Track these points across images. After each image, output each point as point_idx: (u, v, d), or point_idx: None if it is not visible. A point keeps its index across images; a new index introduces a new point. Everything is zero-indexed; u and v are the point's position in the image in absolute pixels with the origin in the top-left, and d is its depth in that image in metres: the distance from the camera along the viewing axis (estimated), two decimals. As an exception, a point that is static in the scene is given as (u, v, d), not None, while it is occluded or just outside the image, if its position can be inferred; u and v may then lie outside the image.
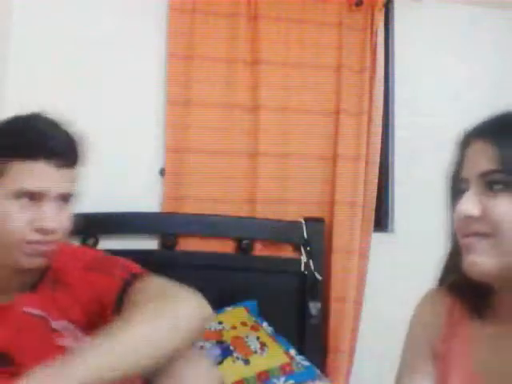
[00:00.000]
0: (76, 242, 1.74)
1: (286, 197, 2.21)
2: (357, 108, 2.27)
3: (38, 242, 0.97)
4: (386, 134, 2.37)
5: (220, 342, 1.82)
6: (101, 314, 1.04)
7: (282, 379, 1.78)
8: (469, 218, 0.75)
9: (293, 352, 1.91)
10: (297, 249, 2.18)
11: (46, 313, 1.03)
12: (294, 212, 2.19)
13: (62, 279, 1.07)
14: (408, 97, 2.39)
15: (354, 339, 2.22)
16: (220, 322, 1.91)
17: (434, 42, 2.44)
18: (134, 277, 1.03)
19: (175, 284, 0.98)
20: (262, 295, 2.09)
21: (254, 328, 1.94)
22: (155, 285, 1.01)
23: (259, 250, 2.19)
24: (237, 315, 1.98)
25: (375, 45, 2.31)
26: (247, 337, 1.88)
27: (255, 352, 1.83)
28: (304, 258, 2.13)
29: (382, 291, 2.25)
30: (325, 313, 2.16)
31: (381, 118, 2.30)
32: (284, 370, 1.81)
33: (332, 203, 2.23)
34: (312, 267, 2.12)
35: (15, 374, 0.96)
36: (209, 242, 2.15)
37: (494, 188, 0.75)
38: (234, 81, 2.19)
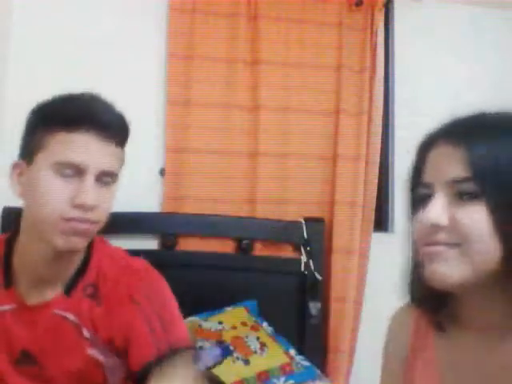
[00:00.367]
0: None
1: (286, 197, 2.20)
2: (357, 108, 2.27)
3: (75, 219, 0.91)
4: (386, 134, 2.37)
5: (220, 342, 1.82)
6: (118, 348, 0.98)
7: (282, 379, 1.78)
8: (435, 227, 0.71)
9: (293, 352, 1.91)
10: (297, 249, 2.18)
11: (79, 319, 0.99)
12: (294, 212, 2.19)
13: (101, 289, 1.00)
14: (408, 97, 2.39)
15: (354, 339, 2.22)
16: (220, 322, 1.91)
17: (433, 41, 2.44)
18: (170, 354, 0.94)
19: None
20: (262, 295, 2.09)
21: (254, 328, 1.94)
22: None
23: (259, 249, 2.19)
24: (237, 315, 1.98)
25: (375, 45, 2.31)
26: (247, 337, 1.88)
27: (255, 352, 1.83)
28: (304, 258, 2.13)
29: (381, 291, 2.24)
30: (325, 313, 2.16)
31: (381, 118, 2.30)
32: (284, 370, 1.80)
33: (332, 203, 2.23)
34: (312, 267, 2.12)
35: (37, 375, 0.99)
36: (209, 242, 2.15)
37: (463, 197, 0.71)
38: (234, 81, 2.19)
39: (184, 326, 1.01)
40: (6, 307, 0.99)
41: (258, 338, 1.89)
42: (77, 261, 1.00)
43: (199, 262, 2.10)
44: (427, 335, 0.83)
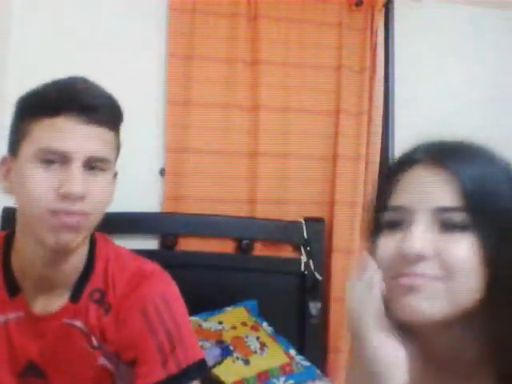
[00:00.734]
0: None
1: (286, 197, 2.20)
2: (357, 108, 2.27)
3: (63, 212, 0.84)
4: (386, 134, 2.36)
5: (220, 342, 1.82)
6: (125, 361, 0.94)
7: (282, 379, 1.77)
8: (418, 257, 0.64)
9: (293, 352, 1.91)
10: (297, 249, 2.18)
11: (87, 326, 0.94)
12: (294, 212, 2.19)
13: (108, 297, 0.95)
14: (408, 97, 2.39)
15: (354, 339, 2.22)
16: (220, 322, 1.91)
17: (434, 41, 2.44)
18: (178, 376, 0.91)
19: None
20: (262, 295, 2.09)
21: (254, 328, 1.94)
22: None
23: (259, 249, 2.18)
24: (237, 315, 1.98)
25: (375, 45, 2.31)
26: (247, 337, 1.88)
27: (255, 352, 1.83)
28: (304, 258, 2.13)
29: (381, 291, 2.24)
30: (325, 313, 2.16)
31: (381, 118, 2.30)
32: (284, 370, 1.80)
33: (332, 203, 2.23)
34: (312, 267, 2.12)
35: None
36: (209, 242, 2.15)
37: (450, 226, 0.64)
38: (234, 81, 2.19)
39: (193, 337, 0.98)
40: (11, 316, 0.94)
41: (257, 338, 1.89)
42: (80, 263, 0.95)
43: (199, 262, 2.10)
44: None
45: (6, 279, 0.94)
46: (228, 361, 1.76)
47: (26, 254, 0.93)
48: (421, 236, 0.64)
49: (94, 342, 0.94)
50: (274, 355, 1.85)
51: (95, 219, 0.90)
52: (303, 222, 2.14)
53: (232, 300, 2.03)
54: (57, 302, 0.94)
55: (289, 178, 2.22)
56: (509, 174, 0.68)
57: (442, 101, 2.44)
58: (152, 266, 1.00)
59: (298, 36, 2.25)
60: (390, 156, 2.39)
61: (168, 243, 2.11)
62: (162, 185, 2.16)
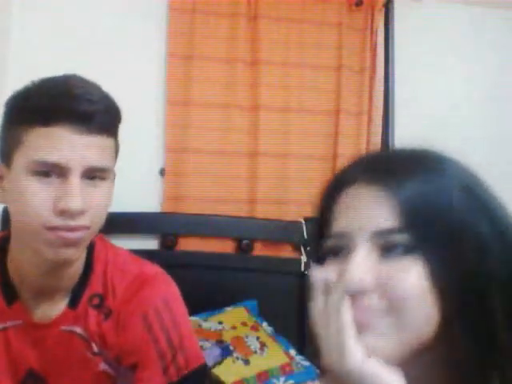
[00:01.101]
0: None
1: (286, 197, 2.20)
2: (357, 108, 2.27)
3: (62, 228, 0.79)
4: (386, 134, 2.36)
5: (220, 342, 1.82)
6: (126, 366, 0.93)
7: (282, 379, 1.77)
8: (358, 291, 0.56)
9: (293, 352, 1.91)
10: (297, 249, 2.18)
11: (87, 332, 0.91)
12: (294, 212, 2.18)
13: (108, 302, 0.92)
14: (408, 97, 2.39)
15: (353, 339, 2.22)
16: (220, 322, 1.91)
17: (433, 41, 2.44)
18: (181, 383, 0.90)
19: None
20: (262, 295, 2.09)
21: (254, 328, 1.94)
22: None
23: (259, 249, 2.18)
24: (237, 315, 1.98)
25: (375, 45, 2.31)
26: (247, 337, 1.88)
27: (255, 352, 1.83)
28: (304, 258, 2.13)
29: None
30: (325, 313, 2.16)
31: (381, 118, 2.30)
32: (284, 370, 1.80)
33: (332, 203, 2.23)
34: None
35: None
36: (209, 242, 2.15)
37: (393, 250, 0.56)
38: (234, 81, 2.19)
39: (194, 341, 0.97)
40: (9, 324, 0.91)
41: (257, 338, 1.89)
42: (78, 268, 0.92)
43: (199, 262, 2.10)
44: None
45: (3, 287, 0.91)
46: (228, 361, 1.76)
47: (22, 262, 0.89)
48: (361, 265, 0.56)
49: (95, 348, 0.92)
50: (274, 355, 1.85)
51: (95, 230, 0.86)
52: (303, 221, 2.13)
53: (232, 300, 2.03)
54: (55, 308, 0.92)
55: (289, 178, 2.22)
56: (461, 181, 0.59)
57: (442, 101, 2.44)
58: (153, 269, 0.98)
59: (298, 36, 2.25)
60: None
61: (168, 243, 2.11)
62: (161, 185, 2.16)
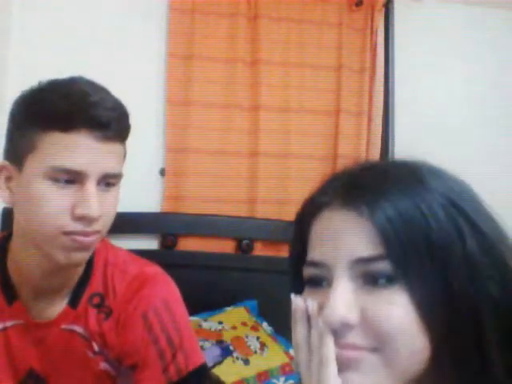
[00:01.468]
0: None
1: (286, 197, 2.20)
2: (357, 108, 2.28)
3: (78, 233, 0.80)
4: (386, 134, 2.36)
5: (220, 342, 1.82)
6: (126, 366, 0.93)
7: (282, 379, 1.77)
8: (341, 327, 0.52)
9: (293, 352, 1.90)
10: (297, 249, 2.17)
11: (87, 332, 0.91)
12: (293, 212, 2.17)
13: (108, 301, 0.92)
14: (408, 97, 2.39)
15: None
16: (220, 322, 1.91)
17: (433, 41, 2.44)
18: (181, 383, 0.90)
19: None
20: (262, 295, 2.09)
21: (254, 328, 1.94)
22: None
23: (259, 249, 2.19)
24: (237, 315, 1.98)
25: (375, 45, 2.31)
26: (247, 337, 1.88)
27: (255, 352, 1.83)
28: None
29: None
30: (325, 313, 2.16)
31: (381, 118, 2.30)
32: (284, 370, 1.80)
33: (332, 203, 2.23)
34: (312, 267, 2.11)
35: None
36: (209, 242, 2.15)
37: (377, 282, 0.52)
38: (234, 81, 2.19)
39: (194, 341, 0.97)
40: (9, 323, 0.91)
41: (258, 338, 1.89)
42: (79, 268, 0.92)
43: (199, 262, 2.10)
44: None
45: (3, 286, 0.91)
46: (228, 361, 1.76)
47: (23, 262, 0.89)
48: (342, 300, 0.52)
49: (95, 347, 0.92)
50: (274, 355, 1.85)
51: (105, 234, 0.87)
52: (303, 221, 2.13)
53: (232, 300, 2.03)
54: (55, 307, 0.92)
55: (289, 178, 2.22)
56: (444, 195, 0.54)
57: (442, 101, 2.44)
58: (153, 269, 0.98)
59: (297, 36, 2.25)
60: (390, 156, 2.39)
61: (168, 243, 2.11)
62: (162, 185, 2.16)
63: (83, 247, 0.82)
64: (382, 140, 2.31)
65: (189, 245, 2.14)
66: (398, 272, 0.51)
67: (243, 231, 2.16)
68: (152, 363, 0.90)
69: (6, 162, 0.84)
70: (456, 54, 2.46)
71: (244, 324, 1.94)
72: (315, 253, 0.57)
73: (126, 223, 1.99)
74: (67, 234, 0.80)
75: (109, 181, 0.83)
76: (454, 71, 2.47)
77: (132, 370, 0.92)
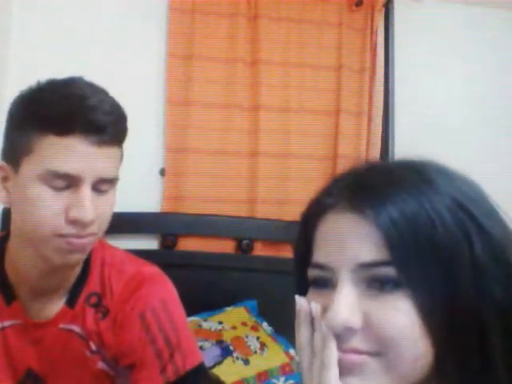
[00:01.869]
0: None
1: (286, 197, 2.20)
2: (357, 108, 2.28)
3: (72, 236, 0.80)
4: (386, 134, 2.36)
5: (220, 342, 1.82)
6: (123, 366, 0.93)
7: (282, 379, 1.77)
8: (344, 331, 0.52)
9: (293, 352, 1.91)
10: (297, 249, 2.17)
11: (85, 331, 0.92)
12: (293, 212, 2.18)
13: (105, 301, 0.93)
14: (408, 97, 2.39)
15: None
16: (220, 322, 1.91)
17: (433, 41, 2.44)
18: (179, 382, 0.90)
19: None
20: (262, 295, 2.09)
21: (254, 328, 1.94)
22: None
23: (259, 249, 2.19)
24: (237, 315, 1.98)
25: (375, 45, 2.31)
26: (247, 337, 1.88)
27: (255, 352, 1.83)
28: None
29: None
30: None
31: (381, 118, 2.30)
32: (284, 370, 1.80)
33: (332, 203, 2.23)
34: (312, 267, 2.11)
35: None
36: (209, 242, 2.15)
37: (381, 286, 0.52)
38: (234, 81, 2.19)
39: (192, 341, 0.97)
40: (7, 323, 0.91)
41: (258, 338, 1.89)
42: (76, 268, 0.92)
43: (199, 262, 2.10)
44: None
45: (1, 286, 0.92)
46: (228, 361, 1.76)
47: (20, 263, 0.89)
48: (346, 304, 0.52)
49: (93, 346, 0.92)
50: (274, 355, 1.85)
51: (101, 235, 0.87)
52: (303, 221, 2.13)
53: (232, 300, 2.03)
54: (53, 307, 0.92)
55: (289, 178, 2.22)
56: (451, 197, 0.53)
57: (442, 101, 2.44)
58: (150, 269, 0.98)
59: (297, 36, 2.25)
60: (390, 156, 2.39)
61: (168, 243, 2.11)
62: (162, 185, 2.16)
63: (78, 249, 0.83)
64: (382, 140, 2.31)
65: (189, 245, 2.14)
66: (402, 277, 0.51)
67: (243, 231, 2.16)
68: (150, 363, 0.90)
69: (3, 163, 0.85)
70: (456, 54, 2.46)
71: (244, 324, 1.94)
72: (320, 255, 0.56)
73: (126, 223, 2.00)
74: (61, 236, 0.80)
75: (104, 184, 0.83)
76: (454, 71, 2.47)
77: (130, 370, 0.92)
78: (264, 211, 2.18)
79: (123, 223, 1.99)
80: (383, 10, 2.33)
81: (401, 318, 0.51)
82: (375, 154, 2.27)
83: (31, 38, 2.06)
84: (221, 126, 2.18)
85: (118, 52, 2.15)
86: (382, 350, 0.51)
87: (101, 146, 0.80)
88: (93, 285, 0.93)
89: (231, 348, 1.81)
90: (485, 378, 0.52)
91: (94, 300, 0.93)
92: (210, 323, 1.90)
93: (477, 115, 2.46)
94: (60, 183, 0.79)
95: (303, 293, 0.58)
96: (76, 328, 0.92)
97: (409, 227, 0.52)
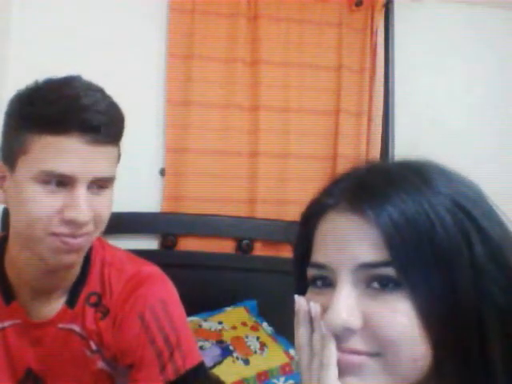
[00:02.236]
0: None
1: (286, 197, 2.20)
2: (357, 108, 2.28)
3: (67, 235, 0.80)
4: (386, 134, 2.36)
5: (220, 342, 1.82)
6: (123, 365, 0.93)
7: (282, 379, 1.77)
8: (343, 332, 0.52)
9: (293, 352, 1.91)
10: (297, 249, 2.17)
11: (85, 331, 0.92)
12: (293, 212, 2.18)
13: (105, 301, 0.93)
14: (408, 97, 2.39)
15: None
16: (220, 322, 1.91)
17: (433, 41, 2.44)
18: (179, 382, 0.90)
19: None
20: (262, 295, 2.09)
21: (254, 328, 1.94)
22: None
23: (259, 249, 2.18)
24: (237, 315, 1.98)
25: (375, 45, 2.31)
26: (247, 337, 1.88)
27: (255, 352, 1.83)
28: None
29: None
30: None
31: (381, 118, 2.30)
32: (284, 370, 1.80)
33: (332, 203, 2.23)
34: (312, 267, 2.11)
35: None
36: (209, 242, 2.15)
37: (381, 287, 0.52)
38: (234, 81, 2.19)
39: (191, 340, 0.97)
40: (7, 323, 0.91)
41: (258, 338, 1.89)
42: (75, 268, 0.92)
43: (199, 262, 2.10)
44: None
45: (1, 286, 0.92)
46: (228, 361, 1.76)
47: (20, 263, 0.90)
48: (345, 304, 0.52)
49: (93, 346, 0.92)
50: (274, 355, 1.85)
51: (97, 235, 0.87)
52: (303, 222, 2.13)
53: (232, 300, 2.03)
54: (53, 307, 0.92)
55: (289, 178, 2.22)
56: (450, 198, 0.53)
57: (442, 101, 2.44)
58: (150, 268, 0.98)
59: (297, 36, 2.25)
60: (390, 156, 2.39)
61: (168, 243, 2.11)
62: (162, 185, 2.16)
63: (72, 249, 0.82)
64: (381, 140, 2.31)
65: (189, 245, 2.14)
66: (402, 277, 0.51)
67: (243, 231, 2.16)
68: (149, 363, 0.90)
69: (1, 162, 0.85)
70: (456, 54, 2.46)
71: (244, 324, 1.94)
72: (320, 255, 0.56)
73: (125, 223, 2.00)
74: (55, 235, 0.80)
75: (100, 184, 0.83)
76: (454, 71, 2.47)
77: (129, 370, 0.92)
78: (264, 211, 2.18)
79: (123, 223, 1.99)
80: (383, 10, 2.33)
81: (400, 318, 0.51)
82: (375, 153, 2.27)
83: (31, 38, 2.06)
84: (221, 125, 2.18)
85: (117, 52, 2.14)
86: (381, 350, 0.51)
87: (96, 146, 0.80)
88: (93, 284, 0.93)
89: (231, 348, 1.81)
90: (484, 379, 0.52)
91: (93, 300, 0.93)
92: (210, 323, 1.90)
93: (477, 115, 2.46)
94: (55, 183, 0.79)
95: (303, 293, 0.59)
96: (76, 328, 0.92)
97: (409, 228, 0.52)
